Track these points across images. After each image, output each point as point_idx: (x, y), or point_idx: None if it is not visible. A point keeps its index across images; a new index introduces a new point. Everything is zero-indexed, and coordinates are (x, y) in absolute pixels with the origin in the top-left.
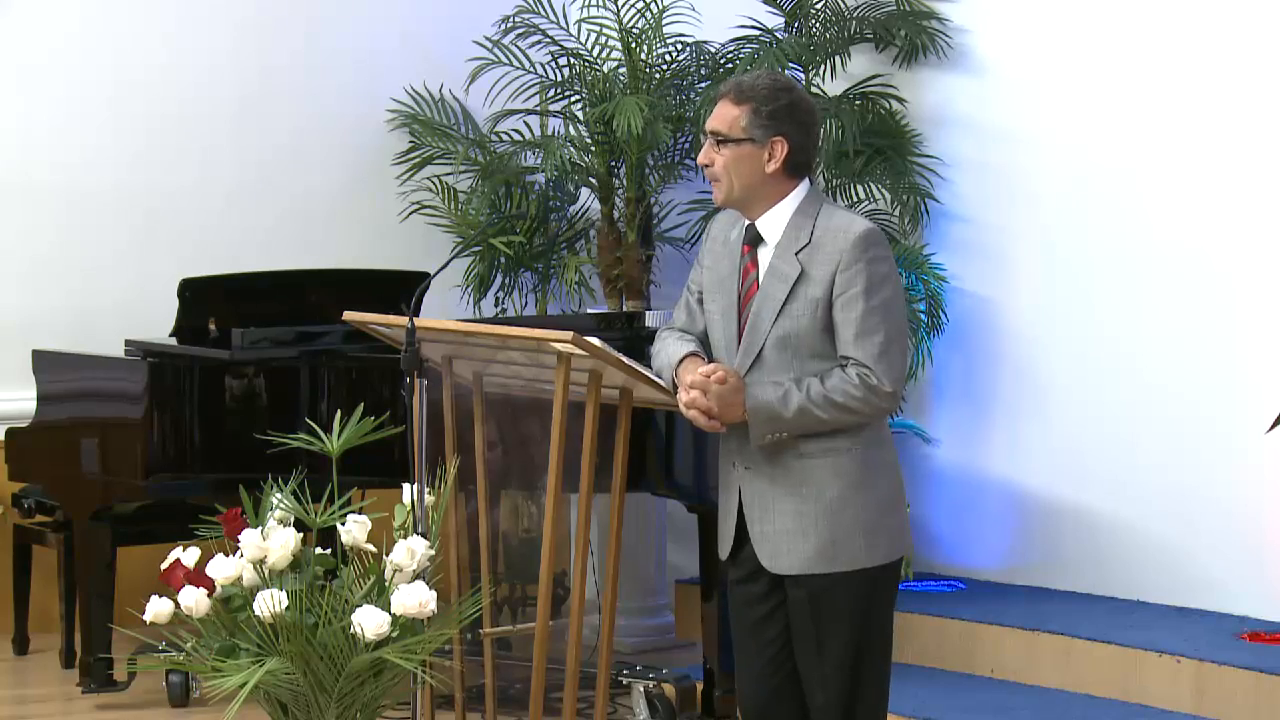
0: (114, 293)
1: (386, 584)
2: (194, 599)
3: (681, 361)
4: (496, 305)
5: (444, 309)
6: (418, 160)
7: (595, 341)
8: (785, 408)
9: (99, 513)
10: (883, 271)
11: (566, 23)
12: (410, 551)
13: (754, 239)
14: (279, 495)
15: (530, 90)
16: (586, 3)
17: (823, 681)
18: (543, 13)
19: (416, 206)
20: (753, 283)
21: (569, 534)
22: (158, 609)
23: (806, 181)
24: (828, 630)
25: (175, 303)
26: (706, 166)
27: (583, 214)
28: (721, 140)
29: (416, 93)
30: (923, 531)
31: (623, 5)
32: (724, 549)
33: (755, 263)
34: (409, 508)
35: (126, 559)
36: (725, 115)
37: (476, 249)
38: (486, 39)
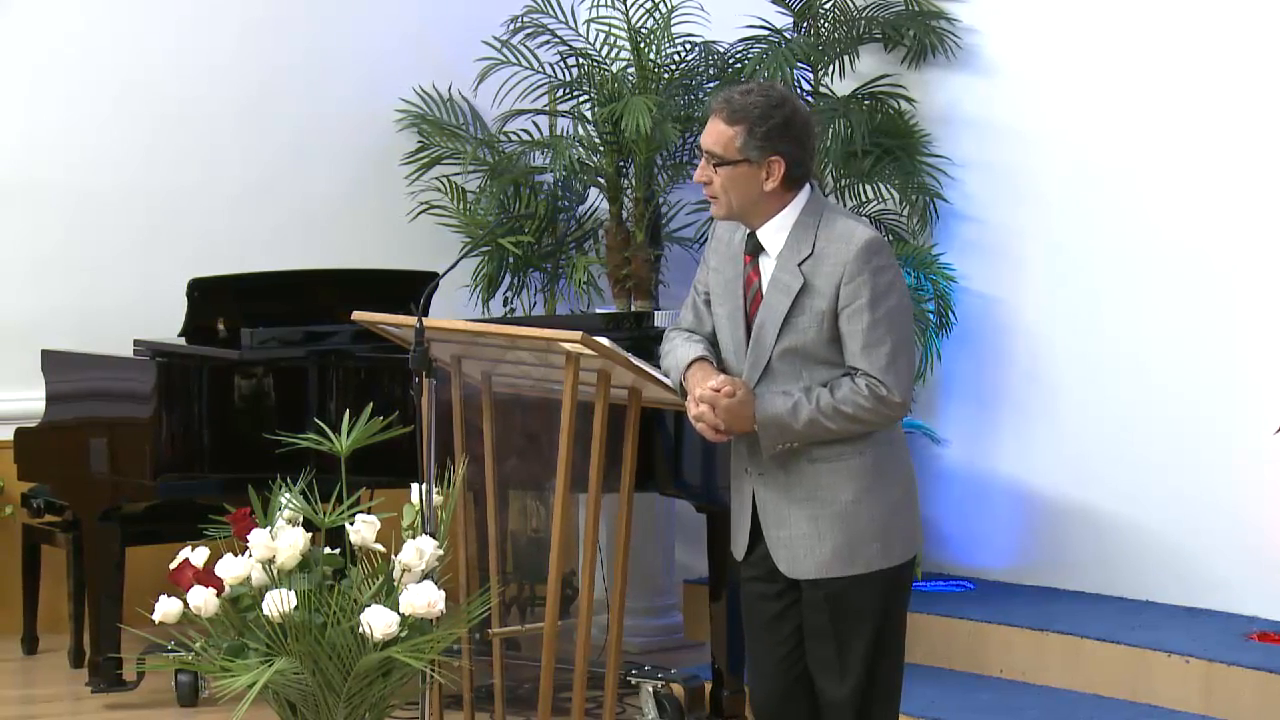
0: (119, 293)
1: (395, 584)
2: (203, 599)
3: (690, 366)
4: (505, 305)
5: (452, 309)
6: (426, 160)
7: (604, 341)
8: (795, 419)
9: (108, 512)
10: (887, 280)
11: (575, 23)
12: (419, 551)
13: (755, 248)
14: (287, 495)
15: (539, 90)
16: (595, 3)
17: (838, 680)
18: (551, 13)
19: (425, 206)
20: (756, 292)
21: (577, 534)
22: (166, 609)
23: (807, 188)
24: (845, 630)
25: (181, 303)
26: (705, 184)
27: (591, 214)
28: (718, 162)
29: (425, 93)
30: (931, 531)
31: (631, 5)
32: (738, 551)
33: (757, 272)
34: (417, 507)
35: (135, 559)
36: (719, 135)
37: (485, 249)
38: (495, 39)
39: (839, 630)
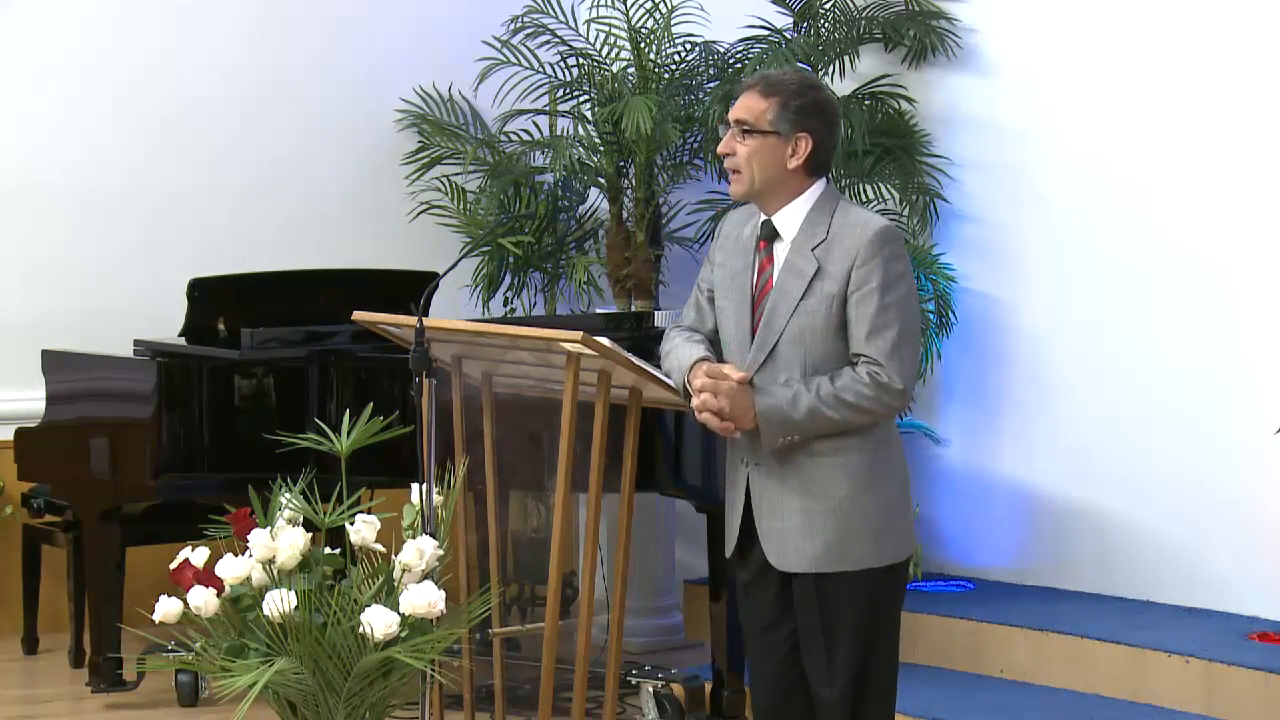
0: (120, 293)
1: (395, 584)
2: (203, 599)
3: (693, 367)
4: (505, 305)
5: (453, 309)
6: (427, 160)
7: (604, 341)
8: (795, 410)
9: (108, 512)
10: (898, 270)
11: (575, 23)
12: (419, 551)
13: (770, 234)
14: (288, 495)
15: (539, 90)
16: (595, 3)
17: (830, 679)
18: (552, 13)
19: (425, 206)
20: (768, 279)
21: (577, 534)
22: (167, 609)
23: (824, 180)
24: (835, 628)
25: (181, 303)
26: (728, 156)
27: (591, 214)
28: (747, 130)
29: (426, 93)
30: (931, 532)
31: (631, 5)
32: (729, 546)
33: (771, 258)
34: (417, 507)
35: (135, 559)
36: (752, 106)
37: (485, 249)
38: (495, 39)
39: (828, 627)
